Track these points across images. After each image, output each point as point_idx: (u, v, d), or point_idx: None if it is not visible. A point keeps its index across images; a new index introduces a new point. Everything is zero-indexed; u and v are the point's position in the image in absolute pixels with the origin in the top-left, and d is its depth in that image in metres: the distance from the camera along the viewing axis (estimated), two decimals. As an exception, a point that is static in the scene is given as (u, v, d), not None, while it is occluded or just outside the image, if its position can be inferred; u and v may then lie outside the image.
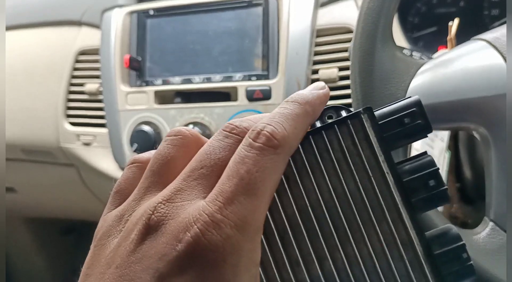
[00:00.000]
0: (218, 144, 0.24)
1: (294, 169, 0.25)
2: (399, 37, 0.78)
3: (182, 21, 0.85)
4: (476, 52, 0.42)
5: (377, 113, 0.26)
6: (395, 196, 0.25)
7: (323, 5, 0.79)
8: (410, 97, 0.27)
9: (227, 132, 0.24)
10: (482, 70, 0.41)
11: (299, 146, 0.25)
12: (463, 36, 0.49)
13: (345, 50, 0.76)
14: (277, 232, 0.24)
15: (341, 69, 0.76)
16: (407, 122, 0.26)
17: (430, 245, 0.25)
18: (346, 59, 0.76)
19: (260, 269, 0.23)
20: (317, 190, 0.25)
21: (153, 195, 0.24)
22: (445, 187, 0.25)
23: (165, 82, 0.85)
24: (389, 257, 0.24)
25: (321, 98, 0.26)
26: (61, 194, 1.07)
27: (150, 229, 0.21)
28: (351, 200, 0.25)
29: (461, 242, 0.25)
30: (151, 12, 0.87)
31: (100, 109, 0.91)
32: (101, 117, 0.90)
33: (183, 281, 0.20)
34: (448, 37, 0.58)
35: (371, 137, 0.25)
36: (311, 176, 0.25)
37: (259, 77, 0.79)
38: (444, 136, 0.60)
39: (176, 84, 0.84)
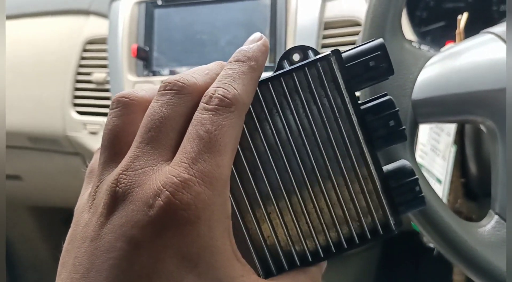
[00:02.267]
0: (156, 104, 0.24)
1: (265, 109, 0.26)
2: (407, 32, 0.78)
3: (190, 12, 0.85)
4: (484, 45, 0.42)
5: (344, 55, 0.27)
6: (359, 135, 0.26)
7: (332, -3, 0.79)
8: (374, 39, 0.28)
9: (162, 91, 0.24)
10: (490, 63, 0.41)
11: (270, 86, 0.26)
12: (472, 31, 0.49)
13: (353, 43, 0.76)
14: (249, 168, 0.25)
15: (348, 62, 0.76)
16: (372, 65, 0.27)
17: (388, 179, 0.27)
18: (354, 52, 0.76)
19: (233, 203, 0.25)
20: (286, 128, 0.26)
21: (111, 168, 0.24)
22: (403, 127, 0.27)
23: (172, 73, 0.85)
24: (351, 190, 0.26)
25: (262, 49, 0.26)
26: (66, 183, 1.07)
27: (117, 200, 0.22)
28: (318, 138, 0.26)
29: (415, 177, 0.27)
30: (159, 2, 0.87)
31: (107, 98, 0.91)
32: (108, 106, 0.90)
33: (160, 245, 0.21)
34: (457, 31, 0.58)
35: (339, 79, 0.26)
36: (281, 115, 0.26)
37: (266, 69, 0.79)
38: (450, 130, 0.60)
39: (183, 74, 0.84)
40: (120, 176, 0.22)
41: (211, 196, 0.22)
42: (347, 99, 0.26)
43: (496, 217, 0.41)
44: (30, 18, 1.03)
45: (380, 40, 0.28)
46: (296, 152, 0.26)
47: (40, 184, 1.13)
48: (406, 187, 0.27)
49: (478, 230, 0.41)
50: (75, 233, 0.24)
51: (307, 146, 0.26)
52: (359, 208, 0.26)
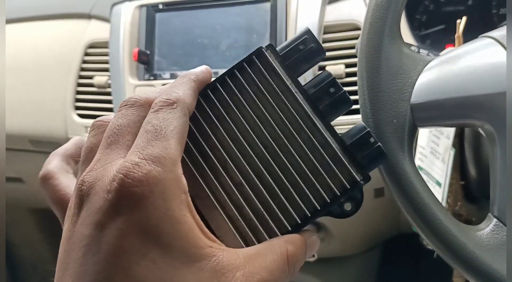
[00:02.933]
0: (114, 118, 0.27)
1: (221, 109, 0.30)
2: (406, 35, 0.78)
3: (191, 16, 0.85)
4: (483, 49, 0.43)
5: (277, 48, 0.31)
6: (306, 108, 0.30)
7: (331, 1, 0.79)
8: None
9: (119, 108, 0.28)
10: (489, 67, 0.41)
11: (220, 88, 0.30)
12: (471, 35, 0.49)
13: (352, 47, 0.77)
14: (219, 163, 0.29)
15: (347, 66, 0.77)
16: (302, 48, 0.31)
17: (343, 140, 0.30)
18: (353, 56, 0.76)
19: (212, 197, 0.28)
20: (243, 120, 0.29)
21: None
22: (343, 90, 0.31)
23: (173, 76, 0.85)
24: (313, 159, 0.29)
25: (202, 69, 0.31)
26: (68, 185, 1.08)
27: (83, 197, 0.24)
28: (272, 121, 0.29)
29: (366, 130, 0.30)
30: (160, 6, 0.87)
31: (109, 101, 0.91)
32: (110, 109, 0.91)
33: (122, 222, 0.23)
34: (456, 35, 0.58)
35: (276, 67, 0.31)
36: (236, 110, 0.30)
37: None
38: (449, 133, 0.61)
39: (184, 78, 0.84)
40: (85, 176, 0.25)
41: (162, 172, 0.24)
42: (287, 82, 0.30)
43: (494, 220, 0.41)
44: (32, 22, 1.03)
45: (305, 28, 0.32)
46: (256, 138, 0.29)
47: (41, 187, 1.13)
48: (361, 141, 0.30)
49: (477, 233, 0.41)
50: None
51: (264, 130, 0.29)
52: (324, 173, 0.29)
